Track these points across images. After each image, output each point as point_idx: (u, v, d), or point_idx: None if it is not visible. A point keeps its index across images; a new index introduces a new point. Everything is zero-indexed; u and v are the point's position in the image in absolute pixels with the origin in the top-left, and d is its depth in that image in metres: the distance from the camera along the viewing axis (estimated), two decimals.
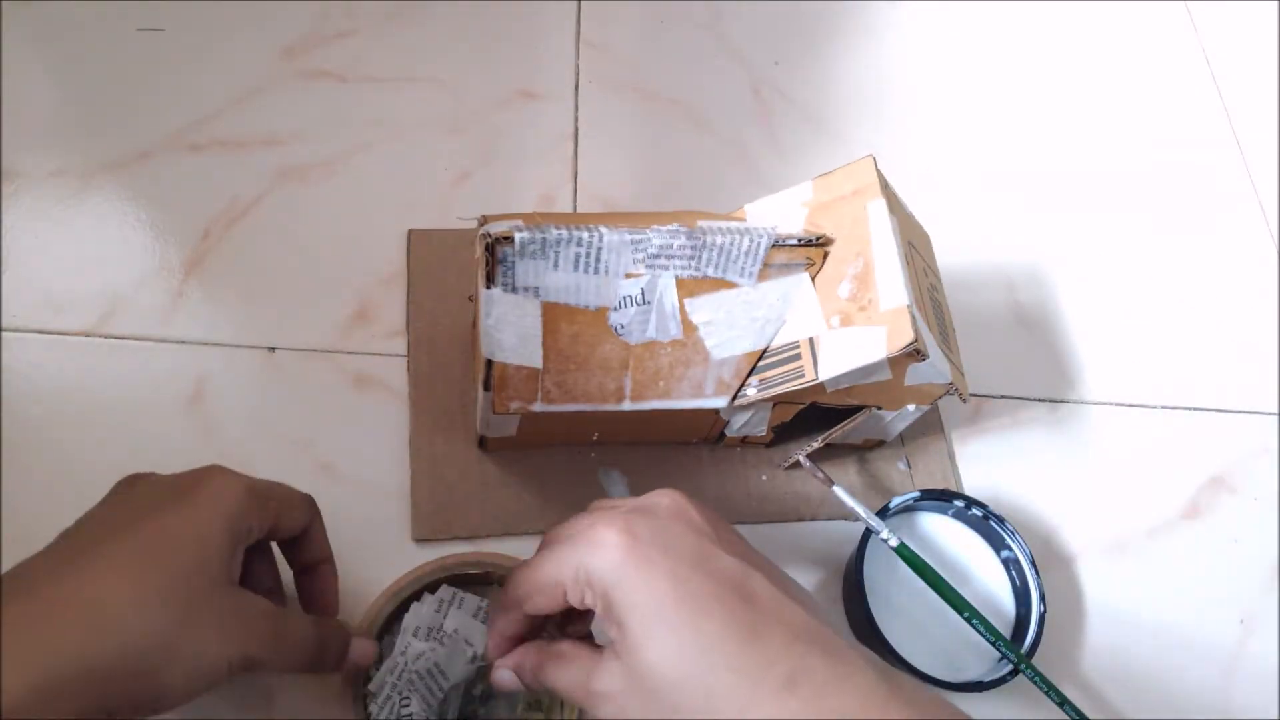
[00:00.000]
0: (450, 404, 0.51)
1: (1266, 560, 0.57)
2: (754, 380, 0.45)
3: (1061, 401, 0.60)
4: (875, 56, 0.70)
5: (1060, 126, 0.70)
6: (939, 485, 0.54)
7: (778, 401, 0.47)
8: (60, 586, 0.30)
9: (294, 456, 0.49)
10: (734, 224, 0.43)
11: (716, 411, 0.47)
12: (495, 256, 0.40)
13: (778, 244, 0.43)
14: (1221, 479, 0.59)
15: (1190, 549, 0.56)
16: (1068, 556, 0.54)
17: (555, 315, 0.42)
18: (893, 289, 0.42)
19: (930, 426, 0.56)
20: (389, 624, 0.43)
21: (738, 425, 0.49)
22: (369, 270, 0.54)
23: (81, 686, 0.29)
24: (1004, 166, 0.67)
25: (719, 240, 0.42)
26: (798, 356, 0.44)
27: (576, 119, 0.62)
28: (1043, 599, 0.48)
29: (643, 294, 0.42)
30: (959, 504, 0.50)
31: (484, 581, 0.45)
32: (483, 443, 0.50)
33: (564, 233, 0.40)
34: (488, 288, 0.40)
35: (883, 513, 0.49)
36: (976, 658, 0.48)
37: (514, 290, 0.41)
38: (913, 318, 0.41)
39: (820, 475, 0.48)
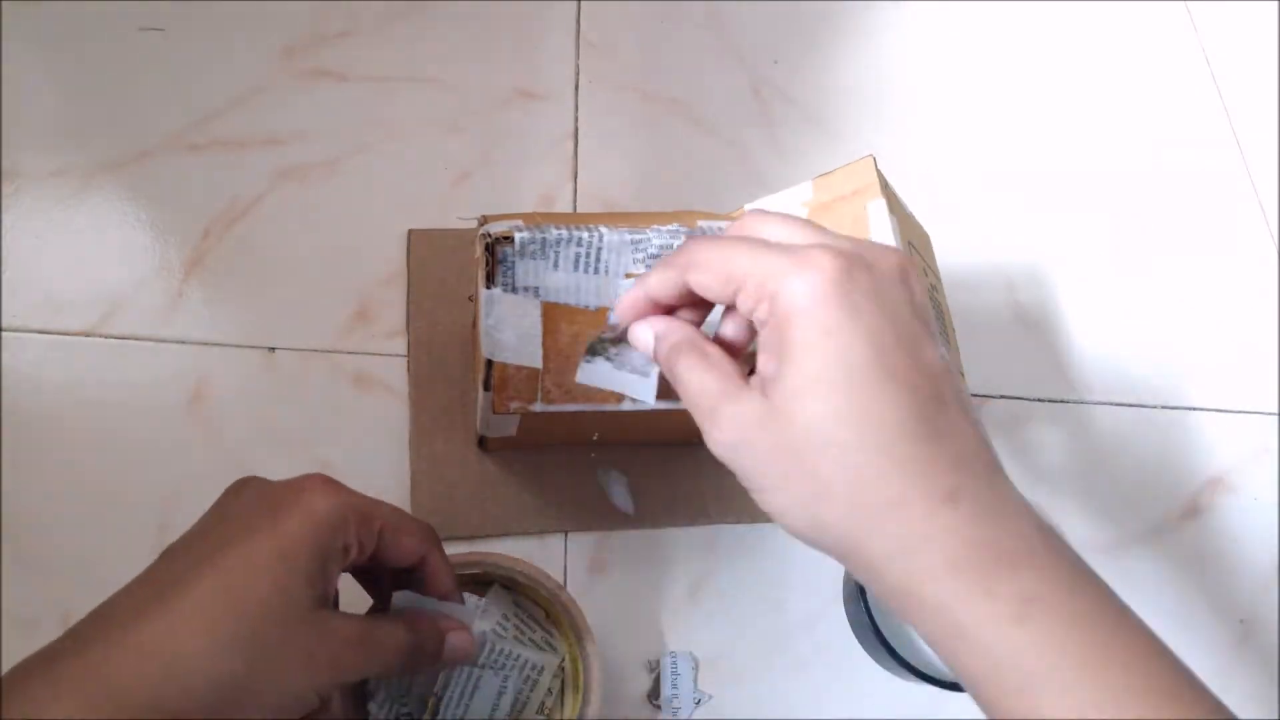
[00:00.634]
0: (450, 404, 0.51)
1: (1266, 560, 0.57)
2: None
3: (1061, 401, 0.60)
4: (875, 56, 0.70)
5: (1060, 126, 0.70)
6: None
7: None
8: (138, 634, 0.29)
9: (294, 456, 0.49)
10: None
11: None
12: (495, 256, 0.40)
13: None
14: (1221, 479, 0.59)
15: (1190, 549, 0.56)
16: None
17: (555, 315, 0.42)
18: None
19: None
20: None
21: None
22: (369, 270, 0.54)
23: None
24: (1004, 166, 0.67)
25: None
26: None
27: (576, 119, 0.62)
28: None
29: None
30: None
31: (483, 581, 0.45)
32: (483, 443, 0.49)
33: (564, 233, 0.40)
34: (488, 288, 0.40)
35: None
36: None
37: (514, 290, 0.41)
38: None
39: None
